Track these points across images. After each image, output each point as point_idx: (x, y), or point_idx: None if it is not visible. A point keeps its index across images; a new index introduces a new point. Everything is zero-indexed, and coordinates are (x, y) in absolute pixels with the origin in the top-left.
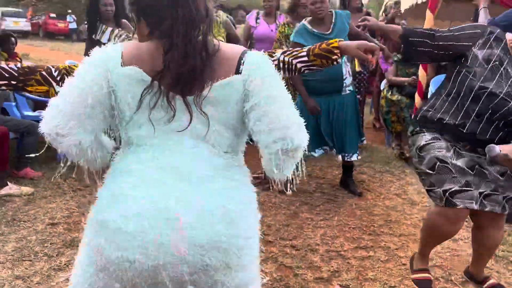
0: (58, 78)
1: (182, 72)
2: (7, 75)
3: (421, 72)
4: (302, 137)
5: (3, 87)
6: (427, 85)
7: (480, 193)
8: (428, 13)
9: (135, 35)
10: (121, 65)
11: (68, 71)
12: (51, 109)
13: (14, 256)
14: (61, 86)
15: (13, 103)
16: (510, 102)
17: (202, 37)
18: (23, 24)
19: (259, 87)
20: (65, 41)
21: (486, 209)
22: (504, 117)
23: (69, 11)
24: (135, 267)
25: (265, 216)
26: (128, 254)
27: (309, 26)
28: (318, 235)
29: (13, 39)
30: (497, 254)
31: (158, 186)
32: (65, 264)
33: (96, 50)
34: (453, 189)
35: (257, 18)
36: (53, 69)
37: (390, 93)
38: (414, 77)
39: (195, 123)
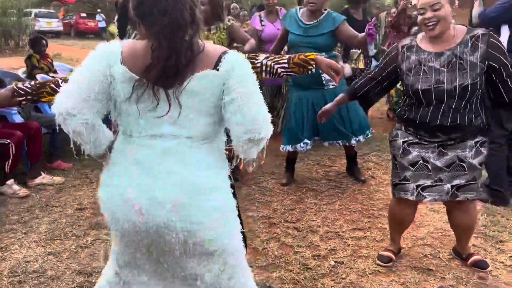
0: None
1: (165, 68)
2: (23, 93)
3: None
4: (267, 130)
5: (24, 102)
6: None
7: (418, 186)
8: None
9: None
10: (120, 62)
11: None
12: (63, 93)
13: (47, 235)
14: None
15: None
16: (444, 84)
17: (188, 39)
18: (55, 25)
19: (236, 84)
20: (95, 39)
21: (426, 200)
22: (448, 98)
23: (99, 10)
24: (127, 228)
25: (272, 201)
26: (118, 223)
27: (298, 14)
28: (320, 218)
29: (44, 41)
30: (487, 233)
31: (136, 169)
32: (90, 243)
33: (101, 46)
34: (394, 182)
35: (261, 20)
36: (60, 81)
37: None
38: None
39: (172, 111)
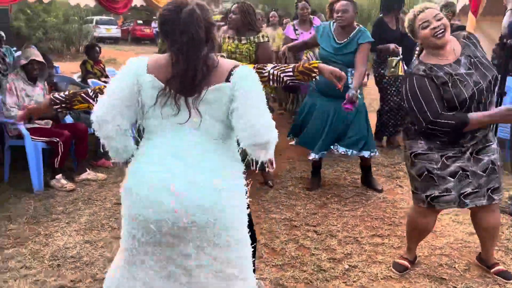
0: (93, 96)
1: (184, 81)
2: (58, 101)
3: None
4: (270, 135)
5: (59, 109)
6: None
7: (461, 194)
8: (471, 16)
9: None
10: (146, 72)
11: (100, 90)
12: (99, 103)
13: (86, 226)
14: (96, 102)
15: None
16: (482, 83)
17: (204, 56)
18: (114, 31)
19: (242, 94)
20: (150, 45)
21: (468, 206)
22: (486, 95)
23: (154, 17)
24: (146, 220)
25: (296, 205)
26: (142, 212)
27: (332, 27)
28: (341, 223)
29: (97, 48)
30: (510, 247)
31: (162, 164)
32: None
33: (131, 60)
34: (433, 195)
35: (295, 29)
36: (89, 91)
37: None
38: None
39: (193, 117)
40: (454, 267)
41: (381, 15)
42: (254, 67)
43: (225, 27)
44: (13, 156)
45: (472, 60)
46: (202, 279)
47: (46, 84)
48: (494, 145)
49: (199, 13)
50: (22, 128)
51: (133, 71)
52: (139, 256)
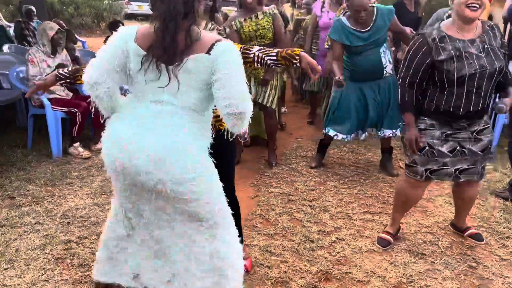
0: None
1: (163, 48)
2: (63, 77)
3: None
4: (245, 106)
5: (64, 84)
6: None
7: (456, 169)
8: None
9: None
10: (134, 41)
11: None
12: (91, 66)
13: (97, 190)
14: None
15: None
16: (487, 67)
17: (183, 27)
18: (146, 8)
19: (222, 66)
20: None
21: (461, 180)
22: (487, 81)
23: None
24: (121, 170)
25: (296, 181)
26: (116, 164)
27: (346, 23)
28: (336, 200)
29: (121, 24)
30: (496, 229)
31: (135, 125)
32: None
33: (122, 28)
34: (432, 168)
35: (322, 7)
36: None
37: None
38: None
39: (171, 83)
40: (437, 245)
41: None
42: (240, 48)
43: (234, 14)
44: (36, 124)
45: (486, 46)
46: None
47: (68, 56)
48: (490, 127)
49: None
50: (44, 98)
51: (122, 39)
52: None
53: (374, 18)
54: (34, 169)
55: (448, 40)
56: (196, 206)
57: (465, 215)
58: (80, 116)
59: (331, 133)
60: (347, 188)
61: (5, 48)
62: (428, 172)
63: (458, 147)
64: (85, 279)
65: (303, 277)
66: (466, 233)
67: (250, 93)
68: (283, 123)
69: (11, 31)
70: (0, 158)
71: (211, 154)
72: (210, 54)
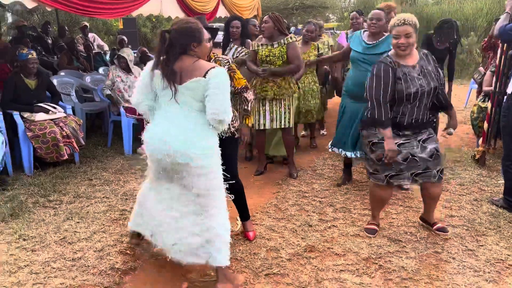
0: None
1: (166, 74)
2: None
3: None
4: (225, 116)
5: None
6: None
7: (412, 173)
8: None
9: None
10: (157, 67)
11: None
12: (134, 90)
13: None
14: None
15: None
16: (425, 87)
17: (181, 59)
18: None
19: (212, 86)
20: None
21: (419, 183)
22: (426, 98)
23: None
24: (155, 157)
25: (315, 183)
26: (153, 152)
27: (362, 35)
28: (343, 198)
29: None
30: (477, 228)
31: (161, 126)
32: None
33: (149, 62)
34: (390, 174)
35: (347, 38)
36: None
37: (482, 100)
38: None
39: (178, 97)
40: (415, 235)
41: (431, 32)
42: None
43: (260, 36)
44: (115, 128)
45: (423, 69)
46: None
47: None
48: (435, 137)
49: (174, 34)
50: (121, 107)
51: (149, 68)
52: (154, 176)
53: (380, 39)
54: (110, 162)
55: (397, 65)
56: (202, 180)
57: (432, 211)
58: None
59: (335, 150)
60: (357, 190)
61: (100, 70)
62: (388, 177)
63: (410, 156)
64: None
65: (292, 248)
66: (435, 227)
67: (248, 113)
68: (314, 144)
69: (107, 57)
70: (86, 153)
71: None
72: (205, 77)
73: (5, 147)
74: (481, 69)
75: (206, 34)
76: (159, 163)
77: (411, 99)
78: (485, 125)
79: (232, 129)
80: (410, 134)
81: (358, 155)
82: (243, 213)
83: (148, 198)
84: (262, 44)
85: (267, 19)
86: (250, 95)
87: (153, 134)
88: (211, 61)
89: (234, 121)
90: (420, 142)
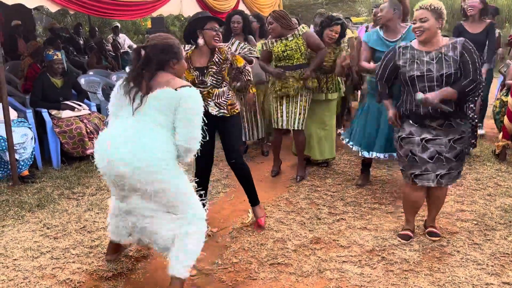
0: None
1: (134, 85)
2: None
3: None
4: (193, 145)
5: None
6: None
7: (437, 175)
8: None
9: (256, 49)
10: None
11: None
12: (110, 102)
13: None
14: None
15: None
16: (433, 72)
17: (156, 73)
18: None
19: (183, 111)
20: None
21: (442, 185)
22: (437, 84)
23: None
24: (100, 166)
25: (328, 177)
26: (98, 161)
27: (380, 33)
28: (355, 193)
29: None
30: (492, 226)
31: (109, 133)
32: None
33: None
34: (416, 173)
35: (366, 31)
36: None
37: (505, 94)
38: None
39: (145, 107)
40: (422, 228)
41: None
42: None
43: (269, 37)
44: None
45: (439, 55)
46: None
47: None
48: (466, 136)
49: (153, 50)
50: None
51: (121, 81)
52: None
53: (404, 32)
54: None
55: (409, 49)
56: (162, 197)
57: (434, 215)
58: None
59: (365, 153)
60: (369, 184)
61: (127, 68)
62: (413, 175)
63: (437, 155)
64: None
65: (299, 240)
66: (427, 231)
67: (252, 83)
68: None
69: None
70: None
71: (223, 127)
72: (176, 90)
73: (35, 143)
74: (509, 61)
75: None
76: (105, 174)
77: (417, 83)
78: (505, 119)
79: (233, 110)
80: (438, 128)
81: (381, 157)
82: (252, 196)
83: (117, 207)
84: (276, 40)
85: (270, 20)
86: (249, 68)
87: (100, 140)
88: (217, 49)
89: (236, 103)
90: (451, 142)
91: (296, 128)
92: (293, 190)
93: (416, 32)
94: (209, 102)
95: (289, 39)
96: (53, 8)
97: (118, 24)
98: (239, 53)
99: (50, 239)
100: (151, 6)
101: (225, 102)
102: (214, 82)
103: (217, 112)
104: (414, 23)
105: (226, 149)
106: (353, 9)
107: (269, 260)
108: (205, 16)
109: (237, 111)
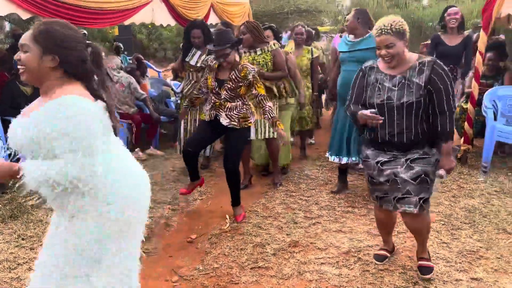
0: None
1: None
2: None
3: (473, 83)
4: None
5: None
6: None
7: (394, 198)
8: (482, 33)
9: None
10: None
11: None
12: None
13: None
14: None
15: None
16: (393, 101)
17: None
18: None
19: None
20: None
21: (399, 210)
22: (397, 112)
23: None
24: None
25: (303, 183)
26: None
27: (347, 37)
28: (329, 197)
29: None
30: (451, 222)
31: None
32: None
33: None
34: (379, 196)
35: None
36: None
37: (464, 101)
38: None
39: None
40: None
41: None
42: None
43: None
44: None
45: (403, 81)
46: None
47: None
48: (433, 159)
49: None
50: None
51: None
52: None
53: (364, 36)
54: None
55: (375, 71)
56: None
57: (419, 245)
58: (134, 127)
59: (335, 159)
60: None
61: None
62: (377, 198)
63: (393, 176)
64: None
65: (277, 244)
66: (418, 263)
67: (277, 119)
68: (306, 154)
69: None
70: None
71: (230, 135)
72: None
73: (4, 152)
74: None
75: None
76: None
77: (378, 110)
78: (466, 125)
79: (245, 123)
80: (395, 155)
81: (353, 160)
82: (235, 198)
83: None
84: (244, 52)
85: (243, 29)
86: (270, 104)
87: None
88: (239, 67)
89: (250, 117)
90: (408, 162)
91: (268, 137)
92: (269, 196)
93: (385, 59)
94: (220, 112)
95: (258, 53)
96: (25, 16)
97: (85, 32)
98: (201, 64)
99: (26, 250)
100: (124, 14)
101: (236, 115)
102: (227, 96)
103: (227, 123)
104: (378, 49)
105: (226, 154)
106: (317, 19)
107: (250, 264)
108: (217, 42)
109: (249, 125)
